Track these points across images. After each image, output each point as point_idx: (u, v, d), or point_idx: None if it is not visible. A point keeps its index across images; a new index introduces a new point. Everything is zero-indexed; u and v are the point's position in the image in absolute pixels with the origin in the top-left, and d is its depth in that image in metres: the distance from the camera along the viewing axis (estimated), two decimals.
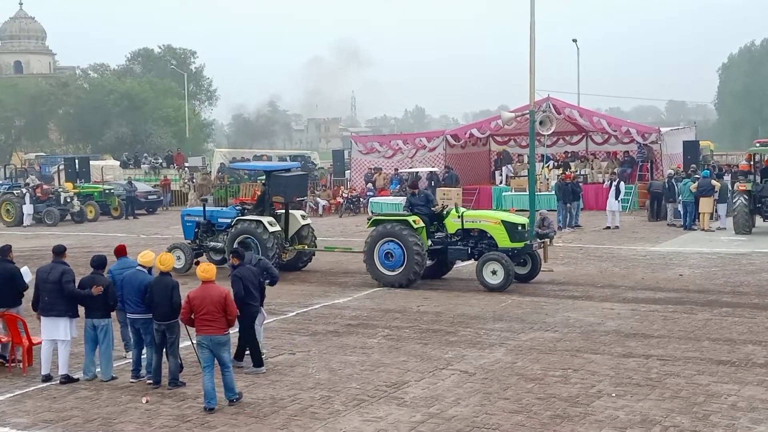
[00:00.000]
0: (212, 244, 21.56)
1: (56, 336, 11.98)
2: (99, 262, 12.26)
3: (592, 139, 39.54)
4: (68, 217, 36.74)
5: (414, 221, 18.69)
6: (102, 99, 79.42)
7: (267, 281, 13.20)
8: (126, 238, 27.96)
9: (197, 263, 21.18)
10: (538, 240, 19.64)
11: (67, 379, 11.85)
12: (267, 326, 14.97)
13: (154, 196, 42.54)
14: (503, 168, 39.07)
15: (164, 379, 11.62)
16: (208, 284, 10.87)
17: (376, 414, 10.23)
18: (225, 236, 21.08)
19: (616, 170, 34.97)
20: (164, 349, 11.64)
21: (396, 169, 38.77)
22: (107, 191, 39.81)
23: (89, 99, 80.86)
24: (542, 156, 37.45)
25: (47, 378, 11.92)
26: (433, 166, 37.60)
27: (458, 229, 18.92)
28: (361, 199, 37.49)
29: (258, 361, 12.22)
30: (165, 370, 11.65)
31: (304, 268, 21.75)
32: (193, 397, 11.08)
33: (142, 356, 12.00)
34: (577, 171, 36.15)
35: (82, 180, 42.67)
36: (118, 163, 57.41)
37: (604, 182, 33.59)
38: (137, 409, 10.69)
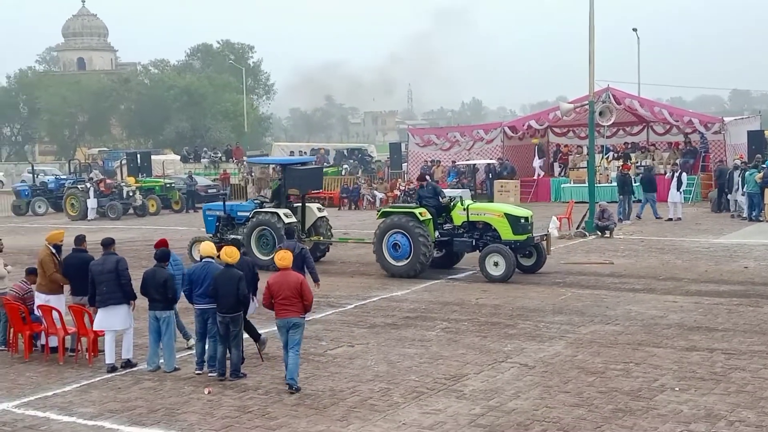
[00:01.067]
0: (232, 237, 21.75)
1: (115, 326, 12.31)
2: (162, 256, 12.49)
3: (653, 130, 38.90)
4: (131, 210, 37.45)
5: (420, 213, 19.06)
6: (162, 94, 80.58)
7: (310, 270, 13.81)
8: (186, 232, 28.42)
9: (218, 256, 21.91)
10: (541, 234, 19.79)
11: (128, 364, 12.16)
12: (326, 319, 15.12)
13: (214, 190, 43.07)
14: (535, 161, 38.20)
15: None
16: (285, 271, 11.29)
17: (436, 406, 10.22)
18: (244, 229, 21.58)
19: (678, 161, 34.37)
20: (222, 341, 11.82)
21: (453, 162, 38.66)
22: (168, 185, 40.44)
23: (150, 95, 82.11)
24: (602, 147, 36.99)
25: (112, 368, 12.17)
26: (490, 158, 37.39)
27: (464, 222, 19.33)
28: None
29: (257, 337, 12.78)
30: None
31: (321, 258, 21.89)
32: (254, 388, 11.20)
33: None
34: (637, 162, 35.63)
35: (144, 174, 43.40)
36: (178, 157, 58.29)
37: (665, 173, 33.04)
38: (200, 399, 10.84)
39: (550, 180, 37.42)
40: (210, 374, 11.79)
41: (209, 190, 42.54)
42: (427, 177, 22.14)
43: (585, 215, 25.85)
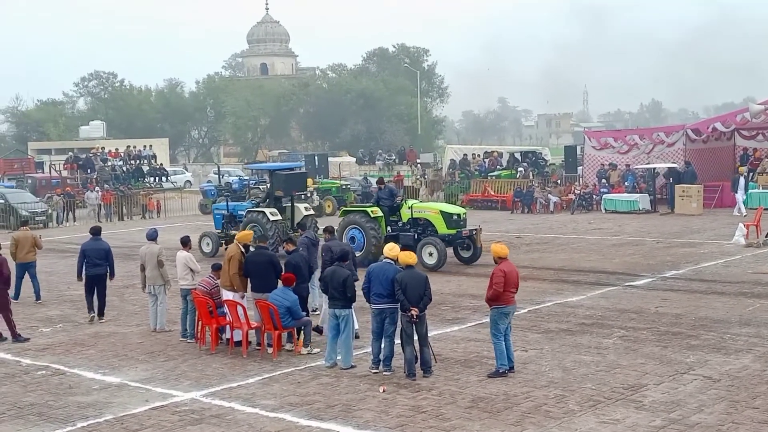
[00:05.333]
0: (233, 232, 23.94)
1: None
2: (342, 255, 12.86)
3: None
4: None
5: (372, 211, 22.29)
6: (339, 98, 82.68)
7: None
8: None
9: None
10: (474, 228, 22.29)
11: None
12: None
13: None
14: (739, 194, 34.97)
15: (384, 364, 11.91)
16: (508, 261, 12.05)
17: (613, 416, 9.95)
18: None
19: None
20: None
21: (627, 165, 37.44)
22: (344, 186, 41.41)
23: (328, 98, 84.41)
24: None
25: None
26: (672, 162, 35.96)
27: (409, 218, 22.23)
28: (594, 196, 36.56)
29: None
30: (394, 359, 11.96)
31: None
32: (427, 388, 11.29)
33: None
34: None
35: (321, 176, 44.65)
36: (354, 159, 59.64)
37: None
38: (375, 397, 11.04)
39: None
40: (384, 373, 11.98)
41: None
42: (384, 180, 26.28)
43: None
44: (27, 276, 18.65)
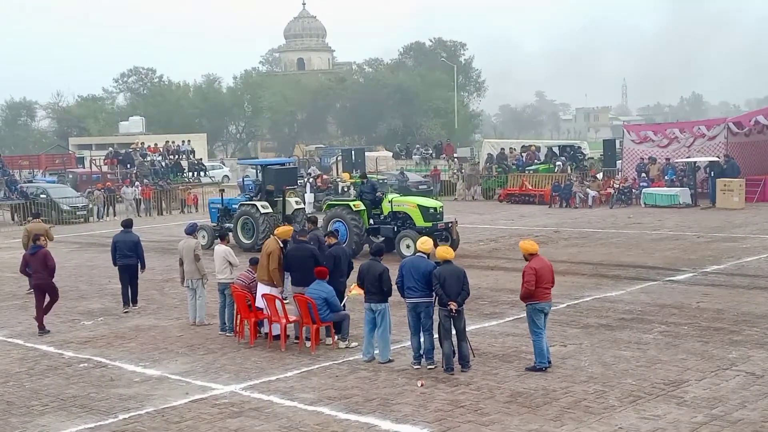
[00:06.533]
0: (227, 225, 25.70)
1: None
2: (377, 250, 12.85)
3: None
4: None
5: (354, 205, 23.18)
6: (376, 92, 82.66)
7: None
8: None
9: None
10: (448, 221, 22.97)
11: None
12: None
13: (425, 186, 43.67)
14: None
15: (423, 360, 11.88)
16: (539, 257, 11.91)
17: (654, 412, 9.85)
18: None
19: None
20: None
21: (667, 159, 36.99)
22: (381, 181, 41.37)
23: (364, 93, 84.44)
24: None
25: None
26: (716, 156, 35.47)
27: (389, 212, 23.11)
28: (633, 190, 36.18)
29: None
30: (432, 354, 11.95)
31: None
32: (465, 383, 11.26)
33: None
34: None
35: (358, 170, 44.60)
36: (390, 153, 59.53)
37: None
38: (413, 392, 11.03)
39: None
40: (428, 367, 11.94)
41: (420, 186, 43.16)
42: (367, 175, 27.57)
43: None
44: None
